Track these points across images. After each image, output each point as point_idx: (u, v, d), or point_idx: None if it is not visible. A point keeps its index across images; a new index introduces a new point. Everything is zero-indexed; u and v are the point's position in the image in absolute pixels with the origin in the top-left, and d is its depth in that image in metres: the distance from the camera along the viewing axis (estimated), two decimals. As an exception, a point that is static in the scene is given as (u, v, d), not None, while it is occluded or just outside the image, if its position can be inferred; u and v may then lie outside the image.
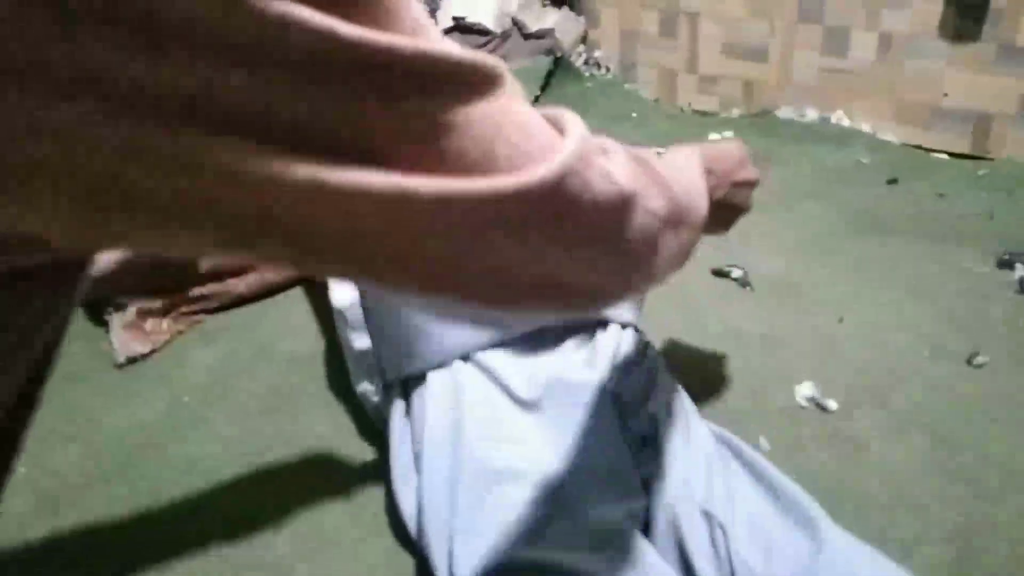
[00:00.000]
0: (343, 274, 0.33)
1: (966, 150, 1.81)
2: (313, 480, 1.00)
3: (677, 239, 0.48)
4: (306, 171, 0.26)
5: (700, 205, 0.53)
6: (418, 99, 0.29)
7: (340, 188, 0.27)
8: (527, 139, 0.33)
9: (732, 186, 0.74)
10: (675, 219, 0.47)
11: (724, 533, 0.73)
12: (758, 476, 0.79)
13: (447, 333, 0.89)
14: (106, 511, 0.97)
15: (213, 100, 0.24)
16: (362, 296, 0.96)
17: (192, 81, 0.24)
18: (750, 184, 0.77)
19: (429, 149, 0.30)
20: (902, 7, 1.80)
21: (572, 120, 0.38)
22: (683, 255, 0.51)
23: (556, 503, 0.77)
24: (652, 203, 0.43)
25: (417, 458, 0.85)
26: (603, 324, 0.95)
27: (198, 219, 0.27)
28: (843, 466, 0.98)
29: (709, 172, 0.60)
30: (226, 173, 0.25)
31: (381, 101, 0.28)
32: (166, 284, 1.25)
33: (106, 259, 0.75)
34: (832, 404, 1.07)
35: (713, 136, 1.97)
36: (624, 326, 0.96)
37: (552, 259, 0.36)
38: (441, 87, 0.29)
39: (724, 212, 0.74)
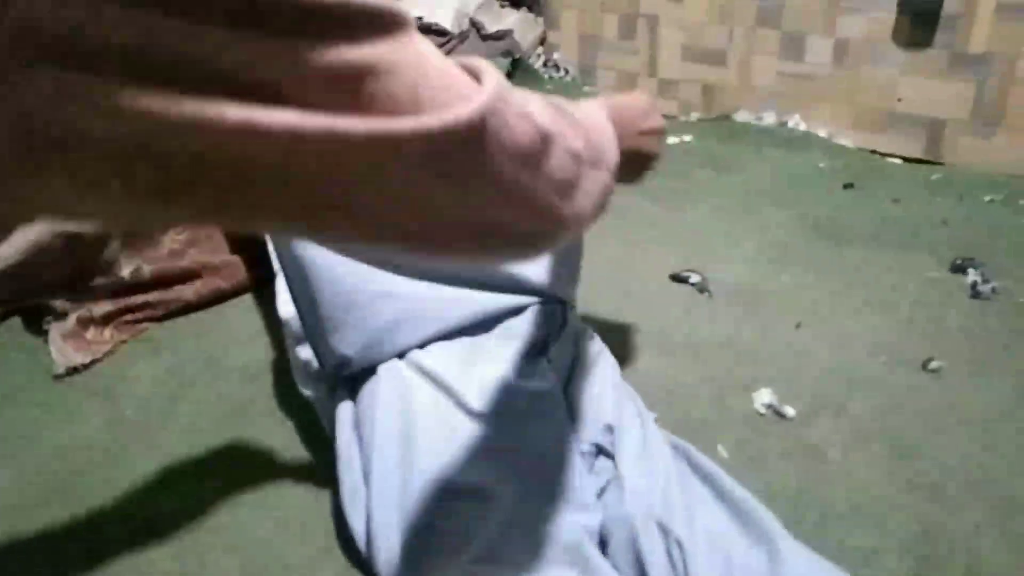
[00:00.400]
0: (282, 225, 0.34)
1: (919, 155, 1.83)
2: (264, 499, 0.96)
3: (596, 180, 0.51)
4: (238, 113, 0.28)
5: (611, 149, 0.56)
6: (343, 43, 0.31)
7: (272, 129, 0.29)
8: (448, 83, 0.36)
9: (639, 135, 0.76)
10: (592, 159, 0.50)
11: (681, 548, 0.72)
12: (716, 489, 0.78)
13: (389, 327, 0.87)
14: (42, 535, 0.92)
15: (148, 49, 0.26)
16: (296, 292, 0.92)
17: (130, 30, 0.26)
18: (655, 132, 0.79)
19: (360, 93, 0.32)
20: (857, 14, 1.81)
21: (488, 68, 0.40)
22: (603, 197, 0.53)
23: (510, 519, 0.75)
24: (570, 143, 0.46)
25: (366, 475, 0.82)
26: (543, 298, 0.93)
27: (130, 160, 0.28)
28: (802, 475, 0.98)
29: (616, 122, 0.61)
30: (157, 115, 0.27)
31: (309, 46, 0.30)
32: (79, 271, 1.21)
33: (10, 250, 0.71)
34: (790, 411, 1.07)
35: (673, 139, 1.97)
36: (562, 302, 0.95)
37: (480, 198, 0.39)
38: (359, 30, 0.31)
39: (634, 161, 0.75)
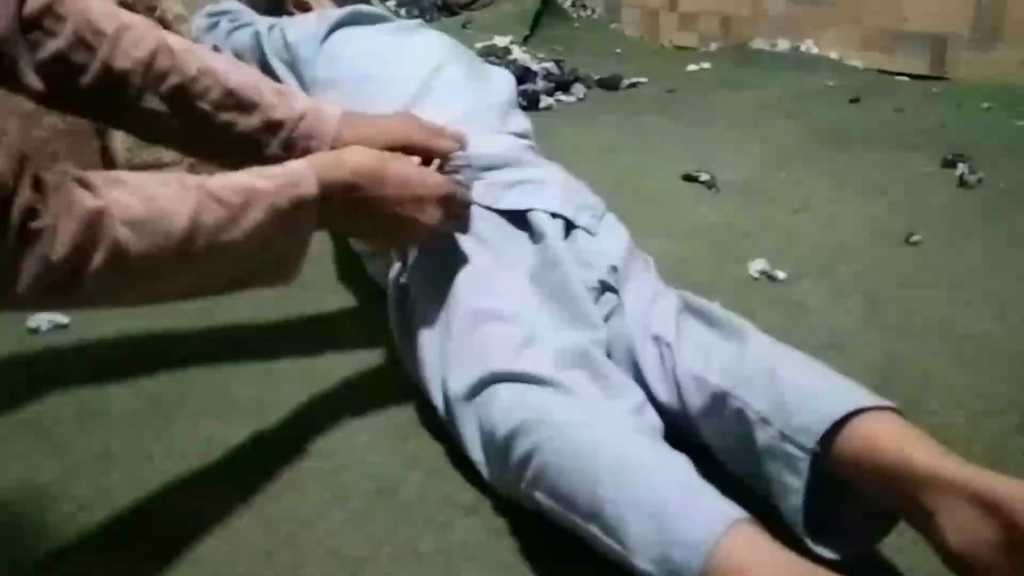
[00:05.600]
0: None
1: (924, 71, 1.94)
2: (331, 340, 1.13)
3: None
4: None
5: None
6: None
7: None
8: None
9: (387, 196, 0.80)
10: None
11: (671, 349, 0.87)
12: (707, 316, 0.93)
13: None
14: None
15: None
16: None
17: None
18: (428, 200, 0.84)
19: None
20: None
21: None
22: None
23: (532, 333, 0.92)
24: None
25: (413, 313, 0.99)
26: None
27: None
28: (786, 322, 1.13)
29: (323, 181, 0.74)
30: None
31: None
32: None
33: None
34: (781, 275, 1.22)
35: (692, 67, 2.11)
36: (554, 215, 1.06)
37: None
38: None
39: (361, 219, 0.81)
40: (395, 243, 0.95)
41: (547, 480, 0.71)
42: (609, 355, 0.95)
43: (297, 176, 0.72)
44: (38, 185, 0.54)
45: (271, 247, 0.70)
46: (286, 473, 0.84)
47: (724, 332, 0.90)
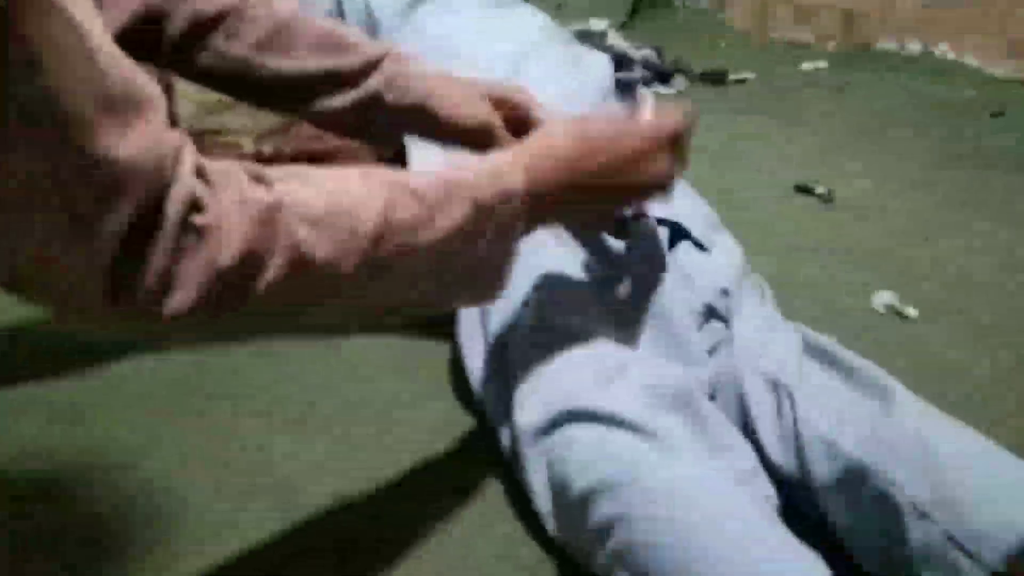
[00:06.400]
0: None
1: (1081, 86, 1.71)
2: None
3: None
4: None
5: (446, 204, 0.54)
6: None
7: None
8: None
9: (611, 168, 0.64)
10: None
11: (791, 399, 0.72)
12: (833, 358, 0.76)
13: None
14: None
15: None
16: None
17: None
18: (654, 154, 0.66)
19: None
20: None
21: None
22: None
23: (620, 363, 0.77)
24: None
25: (484, 314, 0.86)
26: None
27: None
28: (918, 374, 0.95)
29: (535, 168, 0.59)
30: None
31: None
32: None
33: None
34: (911, 312, 1.04)
35: (807, 65, 1.91)
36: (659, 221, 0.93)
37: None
38: None
39: (587, 201, 0.66)
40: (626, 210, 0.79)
41: (635, 561, 0.57)
42: (712, 398, 0.80)
43: (499, 166, 0.59)
44: (201, 174, 0.42)
45: (474, 250, 0.56)
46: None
47: (861, 385, 0.73)
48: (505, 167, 0.58)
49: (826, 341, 0.82)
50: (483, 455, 0.79)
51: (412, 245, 0.51)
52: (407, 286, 0.54)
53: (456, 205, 0.53)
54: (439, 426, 0.84)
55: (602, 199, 0.68)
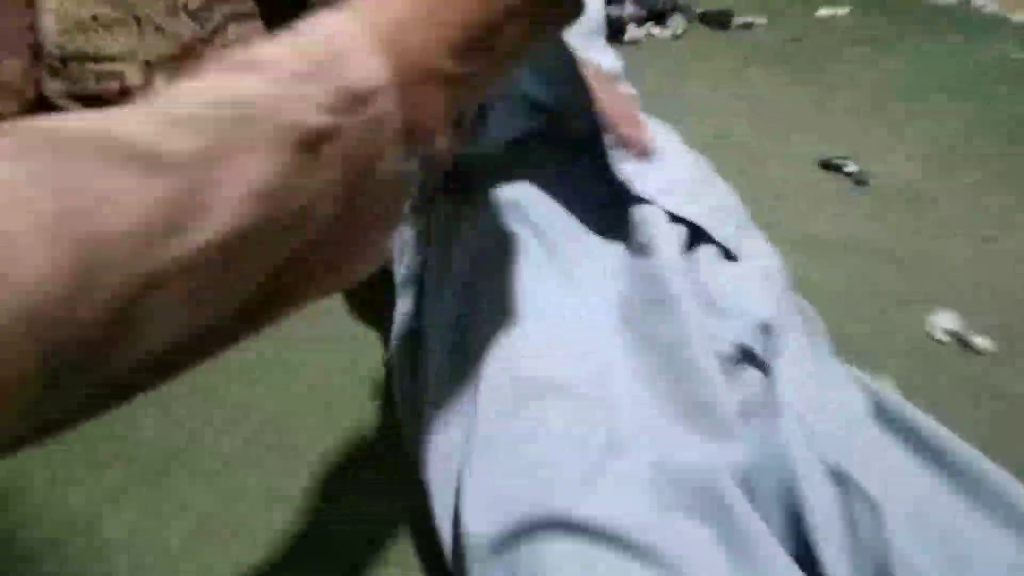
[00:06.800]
0: None
1: None
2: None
3: None
4: None
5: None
6: None
7: None
8: None
9: None
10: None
11: (874, 510, 0.48)
12: (924, 442, 0.53)
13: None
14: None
15: None
16: None
17: None
18: None
19: None
20: None
21: None
22: None
23: (615, 436, 0.52)
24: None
25: (422, 335, 0.61)
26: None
27: None
28: (998, 425, 0.73)
29: None
30: None
31: None
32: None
33: None
34: (983, 343, 0.80)
35: (824, 11, 1.64)
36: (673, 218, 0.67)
37: None
38: None
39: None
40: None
41: None
42: (747, 490, 0.55)
43: (331, 43, 0.31)
44: None
45: (311, 224, 0.30)
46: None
47: (973, 494, 0.50)
48: (343, 41, 0.31)
49: (905, 404, 0.59)
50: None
51: (158, 267, 0.23)
52: (180, 322, 0.26)
53: (251, 161, 0.26)
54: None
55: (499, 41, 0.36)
